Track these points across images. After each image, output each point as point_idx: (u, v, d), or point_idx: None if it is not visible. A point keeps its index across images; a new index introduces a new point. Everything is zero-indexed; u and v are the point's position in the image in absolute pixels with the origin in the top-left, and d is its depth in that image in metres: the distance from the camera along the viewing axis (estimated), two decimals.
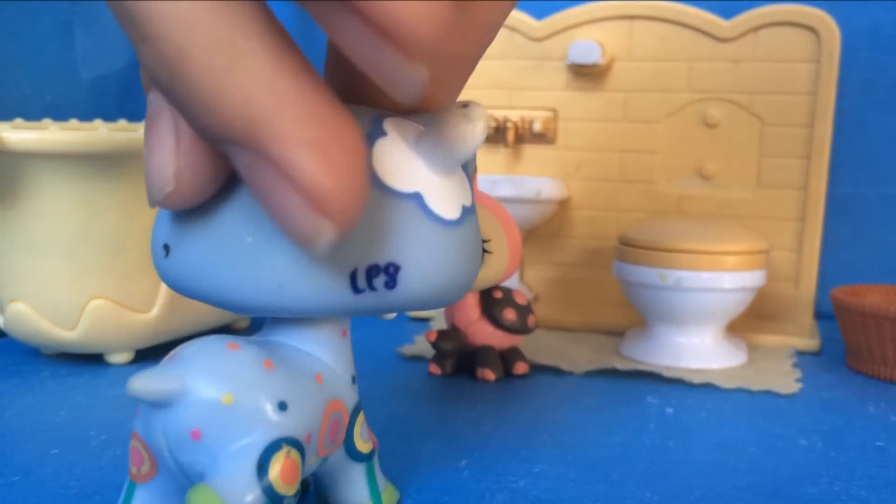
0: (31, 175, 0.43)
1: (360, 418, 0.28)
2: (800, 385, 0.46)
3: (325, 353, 0.26)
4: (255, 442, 0.23)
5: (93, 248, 0.44)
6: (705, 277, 0.48)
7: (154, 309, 0.47)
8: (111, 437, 0.36)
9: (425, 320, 0.60)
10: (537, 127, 0.60)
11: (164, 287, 0.47)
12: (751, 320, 0.57)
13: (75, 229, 0.44)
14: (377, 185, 0.22)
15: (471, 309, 0.46)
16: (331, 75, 0.26)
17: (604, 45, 0.57)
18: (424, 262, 0.23)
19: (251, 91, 0.18)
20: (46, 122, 0.52)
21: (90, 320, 0.45)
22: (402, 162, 0.23)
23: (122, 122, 0.56)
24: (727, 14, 0.57)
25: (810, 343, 0.55)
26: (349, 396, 0.27)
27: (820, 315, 0.60)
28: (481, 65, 0.26)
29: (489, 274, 0.43)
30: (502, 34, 0.60)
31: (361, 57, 0.17)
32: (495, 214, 0.43)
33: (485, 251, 0.43)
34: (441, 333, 0.46)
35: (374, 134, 0.23)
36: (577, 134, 0.60)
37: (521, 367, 0.47)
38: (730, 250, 0.49)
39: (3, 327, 0.48)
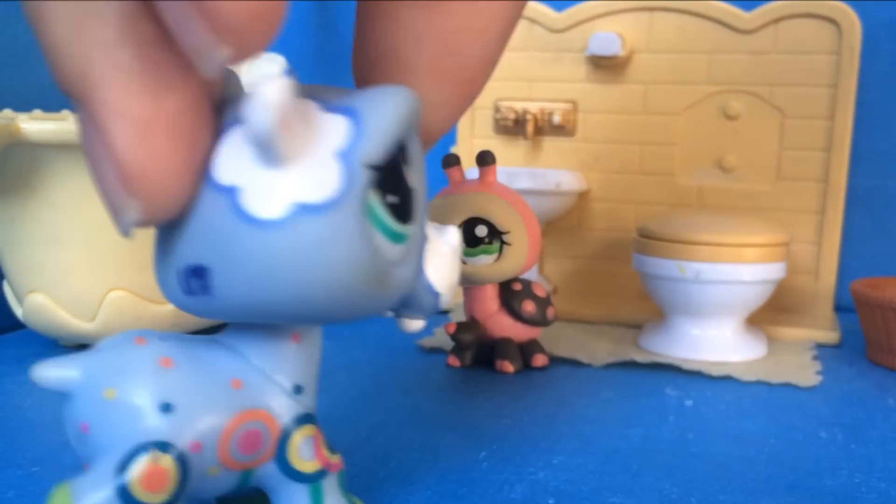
0: (50, 166, 0.43)
1: (304, 432, 0.24)
2: (820, 378, 0.45)
3: (261, 357, 0.24)
4: (123, 441, 0.21)
5: (111, 239, 0.44)
6: (725, 270, 0.48)
7: None
8: None
9: (444, 312, 0.59)
10: (557, 119, 0.60)
11: None
12: (771, 313, 0.57)
13: (94, 220, 0.44)
14: (206, 176, 0.20)
15: (490, 301, 0.46)
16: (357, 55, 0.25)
17: (624, 37, 0.57)
18: (232, 268, 0.20)
19: (91, 52, 0.18)
20: (65, 113, 0.52)
21: (109, 311, 0.45)
22: (235, 149, 0.20)
23: None
24: (748, 6, 0.56)
25: (830, 336, 0.54)
26: (284, 407, 0.24)
27: (840, 308, 0.60)
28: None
29: (508, 266, 0.43)
30: (522, 25, 0.60)
31: (170, 18, 0.17)
32: (514, 207, 0.43)
33: (504, 243, 0.43)
34: (460, 325, 0.46)
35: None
36: (596, 126, 0.60)
37: (540, 360, 0.47)
38: (749, 243, 0.48)
39: (21, 318, 0.48)
